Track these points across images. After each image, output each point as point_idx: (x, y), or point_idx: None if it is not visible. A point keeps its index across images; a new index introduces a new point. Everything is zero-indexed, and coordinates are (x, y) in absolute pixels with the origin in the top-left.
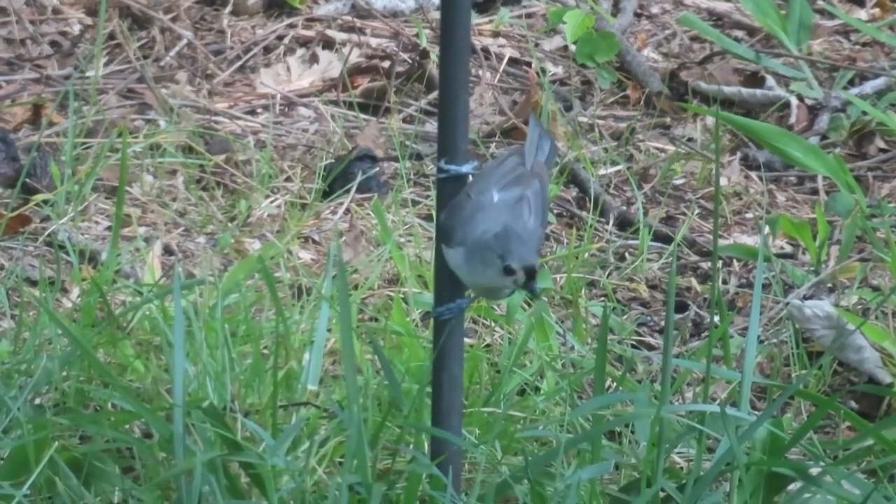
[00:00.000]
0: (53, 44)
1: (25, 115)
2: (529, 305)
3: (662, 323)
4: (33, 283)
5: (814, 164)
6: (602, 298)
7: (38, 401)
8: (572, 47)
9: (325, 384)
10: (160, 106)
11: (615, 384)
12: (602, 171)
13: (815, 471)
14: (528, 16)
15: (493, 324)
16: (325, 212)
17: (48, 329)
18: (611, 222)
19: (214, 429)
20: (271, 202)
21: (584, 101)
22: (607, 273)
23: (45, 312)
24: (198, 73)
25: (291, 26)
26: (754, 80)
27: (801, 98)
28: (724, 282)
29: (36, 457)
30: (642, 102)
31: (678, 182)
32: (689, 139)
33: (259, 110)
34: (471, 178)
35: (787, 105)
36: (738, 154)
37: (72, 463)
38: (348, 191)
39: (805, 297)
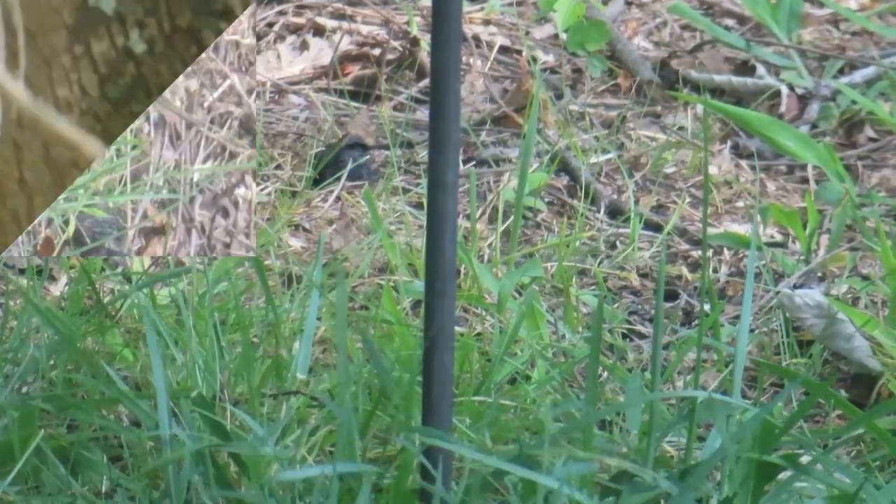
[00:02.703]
0: None
1: None
2: (521, 294)
3: (653, 311)
4: (21, 272)
5: (804, 152)
6: (593, 287)
7: (24, 389)
8: (563, 35)
9: (316, 373)
10: None
11: (606, 373)
12: (593, 160)
13: (805, 459)
14: (519, 3)
15: (483, 312)
16: (315, 200)
17: (36, 317)
18: (602, 210)
19: (203, 417)
20: (261, 190)
21: (575, 89)
22: (598, 261)
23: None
24: None
25: (282, 13)
26: (745, 68)
27: (791, 87)
28: (715, 270)
29: (22, 446)
30: (633, 91)
31: (669, 170)
32: (680, 127)
33: None
34: None
35: (777, 94)
36: (729, 142)
37: (59, 452)
38: (339, 179)
39: (795, 286)
